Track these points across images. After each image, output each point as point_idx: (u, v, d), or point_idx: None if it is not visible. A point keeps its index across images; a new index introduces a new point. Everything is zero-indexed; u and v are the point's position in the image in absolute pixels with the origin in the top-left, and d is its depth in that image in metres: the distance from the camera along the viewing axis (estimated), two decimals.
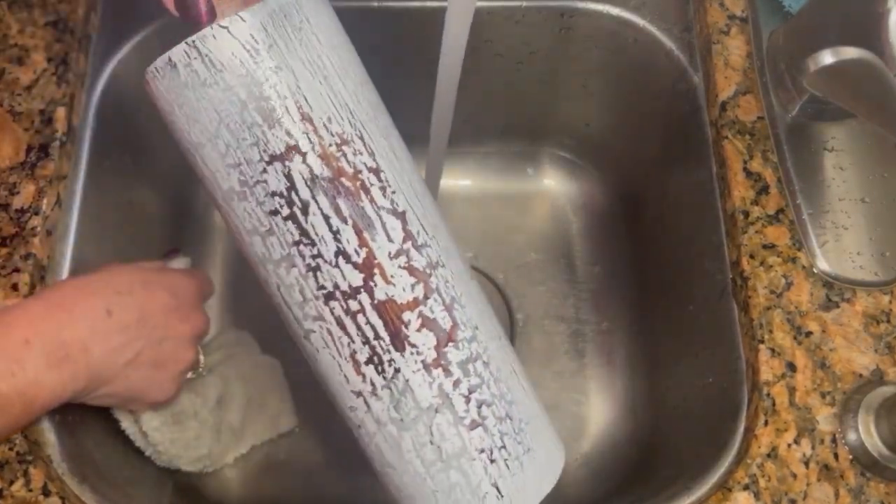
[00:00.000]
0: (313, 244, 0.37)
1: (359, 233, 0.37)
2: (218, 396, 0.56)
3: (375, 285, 0.38)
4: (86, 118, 0.55)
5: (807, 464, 0.46)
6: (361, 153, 0.38)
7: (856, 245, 0.50)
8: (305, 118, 0.37)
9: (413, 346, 0.38)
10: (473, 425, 0.39)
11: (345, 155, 0.37)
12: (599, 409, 0.67)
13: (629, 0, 0.61)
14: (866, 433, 0.45)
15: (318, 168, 0.37)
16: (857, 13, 0.47)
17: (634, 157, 0.70)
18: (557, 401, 0.67)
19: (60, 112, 0.53)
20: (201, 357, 0.52)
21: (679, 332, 0.61)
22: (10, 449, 0.45)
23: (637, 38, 0.61)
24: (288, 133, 0.36)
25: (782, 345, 0.48)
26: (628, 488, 0.61)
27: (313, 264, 0.38)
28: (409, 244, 0.38)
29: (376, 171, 0.38)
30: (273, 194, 0.37)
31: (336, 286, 0.38)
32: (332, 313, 0.38)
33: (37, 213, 0.50)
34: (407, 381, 0.39)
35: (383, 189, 0.38)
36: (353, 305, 0.38)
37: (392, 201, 0.38)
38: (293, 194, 0.37)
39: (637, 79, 0.64)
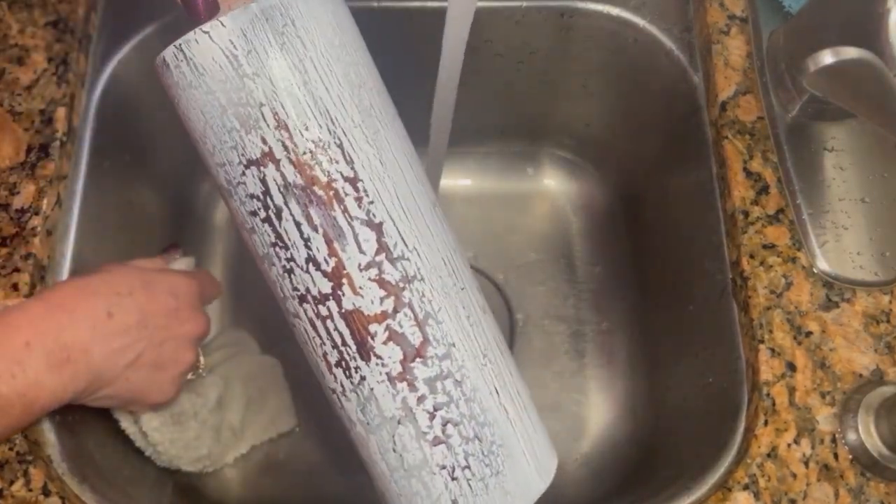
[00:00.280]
0: (287, 248, 0.38)
1: (329, 242, 0.37)
2: (218, 397, 0.56)
3: (343, 295, 0.38)
4: (86, 118, 0.55)
5: (807, 464, 0.46)
6: (338, 161, 0.37)
7: (856, 245, 0.50)
8: (281, 125, 0.36)
9: (378, 357, 0.38)
10: (436, 441, 0.39)
11: (319, 164, 0.37)
12: (599, 409, 0.67)
13: (629, 0, 0.61)
14: (866, 433, 0.45)
15: (292, 176, 0.37)
16: (857, 13, 0.47)
17: (634, 157, 0.70)
18: (557, 401, 0.67)
19: (60, 112, 0.53)
20: (201, 358, 0.52)
21: (679, 332, 0.61)
22: (10, 449, 0.45)
23: (637, 38, 0.61)
24: (263, 140, 0.36)
25: (782, 345, 0.48)
26: (628, 488, 0.61)
27: (288, 266, 0.38)
28: (382, 256, 0.38)
29: (353, 181, 0.37)
30: (251, 196, 0.38)
31: (308, 290, 0.38)
32: (306, 314, 0.39)
33: (37, 213, 0.50)
34: (371, 389, 0.39)
35: (359, 199, 0.37)
36: (323, 311, 0.38)
37: (368, 212, 0.38)
38: (268, 199, 0.37)
39: (637, 79, 0.64)
